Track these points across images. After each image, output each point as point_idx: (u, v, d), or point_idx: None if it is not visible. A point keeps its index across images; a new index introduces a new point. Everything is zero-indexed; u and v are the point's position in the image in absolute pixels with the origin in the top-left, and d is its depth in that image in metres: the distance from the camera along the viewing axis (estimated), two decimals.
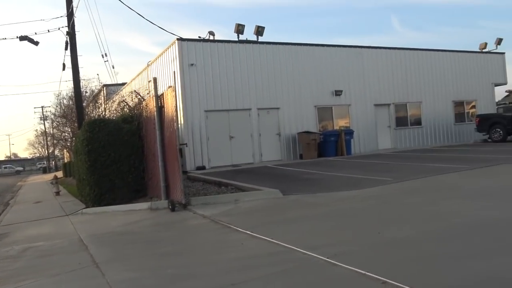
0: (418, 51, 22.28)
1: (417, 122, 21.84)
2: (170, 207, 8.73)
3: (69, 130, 28.97)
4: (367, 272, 3.90)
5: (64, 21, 16.45)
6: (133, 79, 22.76)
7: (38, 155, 76.08)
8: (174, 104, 8.96)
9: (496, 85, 25.01)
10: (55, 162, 64.35)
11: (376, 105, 20.53)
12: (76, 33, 16.32)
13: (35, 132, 67.45)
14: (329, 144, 17.86)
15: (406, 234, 5.20)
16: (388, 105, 20.97)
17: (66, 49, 16.73)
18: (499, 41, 24.55)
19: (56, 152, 58.41)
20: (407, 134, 21.40)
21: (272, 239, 5.49)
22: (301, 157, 17.89)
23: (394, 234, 5.21)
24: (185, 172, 13.54)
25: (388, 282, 3.64)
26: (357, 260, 4.31)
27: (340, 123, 19.58)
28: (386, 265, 4.16)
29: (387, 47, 21.49)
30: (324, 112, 19.28)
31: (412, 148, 20.50)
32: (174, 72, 13.11)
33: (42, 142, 64.99)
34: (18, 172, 76.74)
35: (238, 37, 17.85)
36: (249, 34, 18.19)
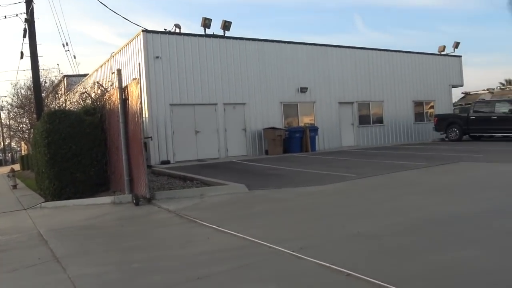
0: (381, 51, 22.86)
1: (379, 120, 22.44)
2: (134, 201, 8.58)
3: (27, 121, 27.89)
4: (332, 265, 4.00)
5: (23, 7, 15.78)
6: (96, 70, 22.14)
7: None
8: (139, 96, 8.80)
9: (453, 86, 26.09)
10: (11, 155, 61.72)
11: (340, 103, 20.92)
12: (35, 20, 15.70)
13: None
14: (294, 140, 18.06)
15: (369, 228, 5.36)
16: (352, 103, 21.41)
17: (24, 36, 16.06)
18: (456, 45, 25.56)
19: (13, 144, 56.01)
20: (369, 132, 21.95)
21: (238, 233, 5.51)
22: (266, 152, 18.00)
23: (357, 228, 5.35)
24: (149, 167, 13.33)
25: (352, 275, 3.74)
26: (322, 253, 4.40)
27: (305, 120, 19.83)
28: (350, 258, 4.27)
29: (352, 47, 21.91)
30: (289, 109, 19.46)
31: (374, 145, 21.07)
32: (139, 64, 12.88)
33: None
34: None
35: (205, 31, 17.69)
36: (216, 28, 18.08)
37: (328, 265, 4.02)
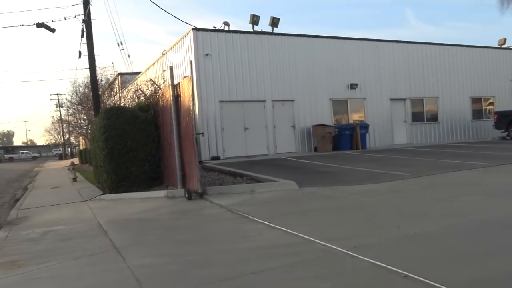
0: (436, 45, 21.97)
1: (434, 117, 21.60)
2: (186, 195, 8.80)
3: (85, 117, 29.30)
4: (388, 265, 3.90)
5: (80, 9, 16.61)
6: (148, 68, 22.86)
7: (54, 141, 77.08)
8: (190, 93, 9.00)
9: None
10: (70, 149, 65.16)
11: (392, 99, 20.35)
12: (92, 21, 16.49)
13: (51, 119, 68.27)
14: (344, 137, 17.78)
15: (426, 229, 5.17)
16: (404, 99, 20.76)
17: (82, 37, 16.92)
18: None
19: (72, 139, 59.10)
20: (423, 129, 21.19)
21: (290, 230, 5.50)
22: (315, 150, 17.85)
23: (413, 228, 5.19)
24: (200, 162, 13.61)
25: (409, 276, 3.63)
26: (377, 253, 4.30)
27: (355, 116, 19.47)
28: (407, 259, 4.15)
29: (404, 41, 21.26)
30: (339, 105, 19.18)
31: (428, 144, 20.31)
32: (191, 61, 13.16)
33: (58, 129, 65.79)
34: (34, 158, 77.95)
35: (253, 28, 17.79)
36: (264, 25, 18.19)
37: (384, 265, 3.92)
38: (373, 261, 4.05)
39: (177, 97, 9.72)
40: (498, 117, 20.53)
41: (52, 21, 18.99)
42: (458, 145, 18.62)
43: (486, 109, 23.33)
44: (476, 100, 23.01)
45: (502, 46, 24.07)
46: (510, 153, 13.49)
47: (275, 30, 18.13)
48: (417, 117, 21.08)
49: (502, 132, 20.61)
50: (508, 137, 20.14)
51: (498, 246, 4.40)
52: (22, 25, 19.42)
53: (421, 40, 22.40)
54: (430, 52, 21.61)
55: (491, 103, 23.50)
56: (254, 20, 17.72)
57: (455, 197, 7.24)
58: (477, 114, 23.00)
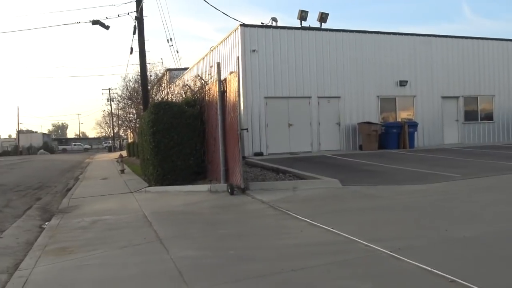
0: (492, 40, 20.83)
1: (489, 117, 20.53)
2: (229, 190, 8.88)
3: (134, 111, 30.25)
4: (434, 269, 3.74)
5: (133, 6, 17.12)
6: (195, 64, 23.25)
7: (104, 134, 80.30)
8: (236, 89, 9.04)
9: None
10: (119, 142, 67.64)
11: (443, 97, 19.54)
12: (144, 18, 16.94)
13: (102, 113, 71.19)
14: (391, 136, 17.29)
15: (476, 233, 4.93)
16: (457, 97, 19.88)
17: (134, 33, 17.45)
18: None
19: (121, 132, 61.29)
20: (476, 129, 20.21)
21: (332, 228, 5.42)
22: (360, 148, 17.48)
23: (463, 232, 4.95)
24: (243, 158, 13.67)
25: (456, 281, 3.47)
26: (423, 256, 4.15)
27: (403, 114, 18.87)
28: (454, 263, 3.97)
29: (458, 36, 20.34)
30: (386, 103, 18.66)
31: (482, 144, 19.33)
32: (238, 57, 13.25)
33: (108, 122, 68.43)
34: (86, 150, 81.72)
35: (301, 24, 17.65)
36: (312, 20, 18.00)
37: (429, 269, 3.77)
38: (418, 264, 3.91)
39: (223, 93, 9.81)
40: None
41: (107, 18, 19.74)
42: None
43: None
44: None
45: None
46: None
47: (324, 26, 17.91)
48: (470, 116, 20.12)
49: None
50: None
51: None
52: (79, 23, 20.46)
53: (476, 35, 21.25)
54: (486, 47, 20.52)
55: None
56: (302, 15, 17.58)
57: (508, 200, 6.85)
58: None
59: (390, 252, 4.30)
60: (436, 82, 19.38)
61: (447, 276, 3.58)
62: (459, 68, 19.84)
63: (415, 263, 3.95)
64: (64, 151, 78.28)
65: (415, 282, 3.61)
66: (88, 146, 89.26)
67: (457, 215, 6.01)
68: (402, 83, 18.64)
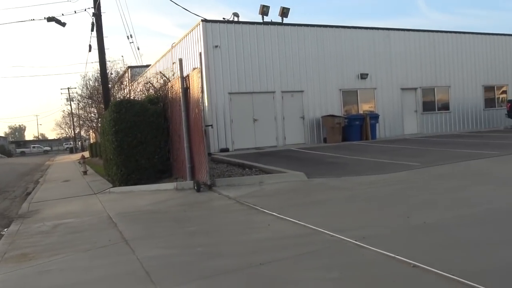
0: (447, 33, 21.60)
1: (445, 107, 21.32)
2: (195, 187, 8.82)
3: (95, 111, 29.45)
4: (397, 255, 3.87)
5: (90, 2, 16.59)
6: (157, 61, 22.88)
7: (65, 135, 77.84)
8: (199, 85, 8.98)
9: None
10: (81, 143, 65.76)
11: (402, 89, 20.11)
12: (102, 14, 16.45)
13: (62, 113, 68.97)
14: (353, 128, 17.65)
15: (436, 219, 5.12)
16: (415, 89, 20.52)
17: (92, 30, 16.92)
18: None
19: (82, 132, 59.61)
20: (434, 119, 20.94)
21: (298, 221, 5.49)
22: (325, 140, 17.76)
23: (423, 218, 5.13)
24: (209, 154, 13.60)
25: (418, 266, 3.60)
26: (386, 243, 4.27)
27: (364, 107, 19.29)
28: (416, 249, 4.11)
29: (415, 29, 20.94)
30: (349, 96, 19.01)
31: (439, 133, 20.07)
32: (200, 53, 13.12)
33: (69, 123, 66.38)
34: (45, 152, 78.86)
35: (263, 19, 17.68)
36: (274, 15, 18.05)
37: (393, 255, 3.89)
38: (381, 251, 4.03)
39: (186, 89, 9.71)
40: (511, 105, 20.19)
41: (63, 15, 19.05)
42: (470, 134, 18.38)
43: (499, 98, 22.94)
44: (489, 89, 22.63)
45: None
46: None
47: (285, 21, 17.98)
48: (428, 106, 20.82)
49: None
50: None
51: (508, 236, 4.34)
52: (33, 20, 19.55)
53: (431, 29, 21.96)
54: (442, 40, 21.27)
55: (504, 92, 23.10)
56: (264, 10, 17.60)
57: (466, 187, 7.15)
58: (490, 102, 22.63)
59: (355, 241, 4.40)
60: (395, 74, 19.93)
61: (410, 261, 3.70)
62: (416, 60, 20.46)
63: (379, 250, 4.07)
64: (23, 154, 75.30)
65: (380, 269, 3.71)
66: (48, 148, 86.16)
67: (417, 203, 6.21)
68: (363, 76, 19.04)
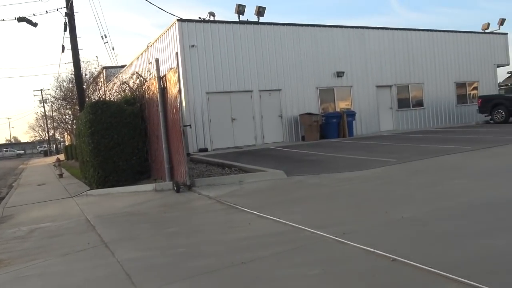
0: (420, 31, 22.06)
1: (419, 103, 21.78)
2: (175, 188, 8.76)
3: (70, 112, 28.91)
4: (377, 250, 3.94)
5: (63, 2, 16.25)
6: (133, 61, 22.59)
7: (39, 138, 76.02)
8: (177, 85, 8.91)
9: (499, 66, 24.90)
10: (56, 145, 64.34)
11: (378, 86, 20.45)
12: (75, 14, 16.17)
13: (35, 115, 67.34)
14: (331, 125, 17.84)
15: (413, 213, 5.23)
16: (390, 86, 20.88)
17: (65, 30, 16.62)
18: (502, 22, 24.31)
19: (57, 135, 58.34)
20: (409, 115, 21.36)
21: (279, 218, 5.52)
22: (303, 138, 17.89)
23: (401, 213, 5.24)
24: (188, 155, 13.53)
25: (398, 260, 3.67)
26: (366, 238, 4.34)
27: (341, 104, 19.52)
28: (395, 243, 4.19)
29: (390, 28, 21.28)
30: (325, 94, 19.20)
31: (414, 129, 20.50)
32: (177, 53, 13.00)
33: (43, 125, 64.91)
34: (19, 156, 76.91)
35: (239, 18, 17.65)
36: (250, 15, 18.01)
37: (372, 250, 3.96)
38: (361, 247, 4.09)
39: (163, 89, 9.63)
40: (482, 101, 20.78)
41: (34, 15, 18.59)
42: (443, 130, 18.82)
43: (470, 94, 23.59)
44: (461, 85, 23.23)
45: (486, 31, 24.27)
46: (494, 136, 13.69)
47: (261, 20, 18.00)
48: (402, 103, 21.23)
49: (485, 116, 20.88)
50: (491, 121, 20.42)
51: (483, 227, 4.48)
52: (3, 20, 18.99)
53: (405, 27, 22.37)
54: (415, 38, 21.70)
55: (475, 88, 23.76)
56: (240, 9, 17.57)
57: (441, 181, 7.32)
58: (462, 99, 23.25)
59: (336, 237, 4.46)
60: (371, 72, 20.23)
61: (389, 255, 3.78)
62: (391, 58, 20.83)
63: (359, 245, 4.14)
64: None
65: (360, 263, 3.78)
66: (21, 152, 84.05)
67: (395, 198, 6.34)
68: (339, 74, 19.25)
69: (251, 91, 17.35)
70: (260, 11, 17.90)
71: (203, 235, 5.41)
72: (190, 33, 16.22)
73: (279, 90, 17.94)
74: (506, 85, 26.64)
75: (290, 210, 6.14)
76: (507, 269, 3.36)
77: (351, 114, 18.41)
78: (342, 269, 3.71)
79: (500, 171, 7.90)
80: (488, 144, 11.52)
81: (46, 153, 61.82)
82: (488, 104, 20.38)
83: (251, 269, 3.88)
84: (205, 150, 16.01)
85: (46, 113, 54.65)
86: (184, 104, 15.67)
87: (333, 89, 19.33)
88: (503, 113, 19.65)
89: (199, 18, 17.20)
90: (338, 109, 19.11)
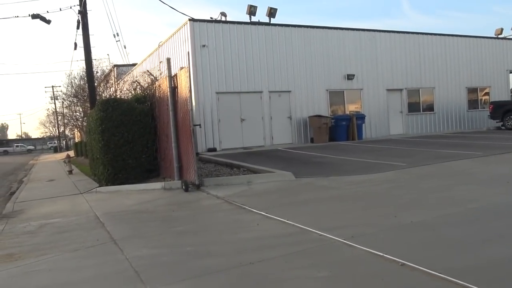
0: (432, 35, 21.92)
1: (430, 108, 21.63)
2: (183, 187, 8.80)
3: (80, 109, 29.14)
4: (385, 254, 3.93)
5: (76, 0, 16.41)
6: (144, 59, 22.72)
7: (49, 134, 76.76)
8: (188, 85, 8.95)
9: (511, 72, 24.61)
10: (66, 142, 64.89)
11: (388, 90, 20.34)
12: (88, 12, 16.28)
13: (46, 112, 67.92)
14: (340, 128, 17.79)
15: (422, 218, 5.21)
16: (401, 90, 20.76)
17: (78, 28, 16.75)
18: None
19: (67, 131, 58.82)
20: (419, 120, 21.23)
21: (287, 220, 5.53)
22: (312, 141, 17.86)
23: (410, 218, 5.21)
24: (197, 154, 13.56)
25: (407, 264, 3.66)
26: (374, 242, 4.33)
27: (351, 107, 19.46)
28: (404, 247, 4.18)
29: (401, 31, 21.18)
30: (335, 96, 19.15)
31: (424, 134, 20.36)
32: (188, 52, 13.07)
33: (53, 121, 65.46)
34: (29, 151, 77.65)
35: (250, 19, 17.69)
36: (261, 15, 18.10)
37: (381, 254, 3.95)
38: (370, 250, 4.08)
39: (174, 89, 9.68)
40: (494, 107, 20.56)
41: (48, 12, 18.84)
42: (454, 135, 18.67)
43: (481, 99, 23.37)
44: (472, 90, 23.03)
45: (499, 36, 24.05)
46: (505, 142, 13.55)
47: (272, 21, 18.02)
48: (413, 107, 21.11)
49: (497, 122, 20.67)
50: (503, 127, 20.21)
51: (492, 234, 4.44)
52: (17, 16, 19.16)
53: (416, 31, 22.24)
54: (427, 42, 21.57)
55: (487, 93, 23.54)
56: (252, 10, 17.61)
57: (451, 186, 7.27)
58: (473, 104, 23.04)
59: (344, 240, 4.46)
60: (381, 75, 20.15)
61: (398, 260, 3.76)
62: (402, 62, 20.72)
63: (367, 249, 4.13)
64: (5, 153, 73.96)
65: (368, 267, 3.77)
66: (31, 147, 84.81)
67: (404, 202, 6.31)
68: (350, 77, 19.20)
69: (260, 92, 17.37)
70: (272, 12, 17.92)
71: (211, 235, 5.43)
72: (201, 33, 16.29)
73: (289, 91, 17.93)
74: None
75: (298, 212, 6.14)
76: None
77: (360, 117, 18.34)
78: (350, 272, 3.70)
79: (510, 178, 7.82)
80: (499, 150, 11.41)
81: (56, 149, 62.39)
82: (499, 110, 20.15)
83: (259, 270, 3.89)
84: (214, 150, 16.05)
85: (57, 109, 55.23)
86: (194, 103, 15.73)
87: (343, 91, 19.27)
88: None
89: (211, 18, 17.29)
90: (347, 112, 19.05)
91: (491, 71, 23.57)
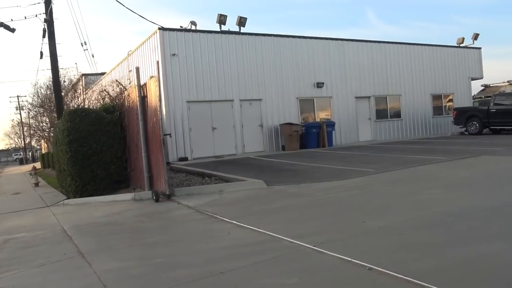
0: (398, 44, 22.59)
1: (397, 114, 22.21)
2: (154, 197, 8.70)
3: (47, 120, 28.39)
4: (354, 259, 4.01)
5: (42, 8, 16.05)
6: (113, 68, 22.41)
7: (14, 145, 74.26)
8: (157, 94, 8.90)
9: (473, 79, 25.64)
10: (32, 153, 62.93)
11: (357, 97, 20.78)
12: (54, 20, 15.95)
13: (11, 122, 65.75)
14: (311, 135, 18.02)
15: (389, 223, 5.34)
16: (369, 97, 21.25)
17: (44, 36, 16.34)
18: (476, 36, 25.09)
19: (33, 142, 57.14)
20: (387, 126, 21.75)
21: (258, 228, 5.55)
22: (283, 148, 18.00)
23: (378, 223, 5.34)
24: (167, 163, 13.43)
25: (374, 269, 3.75)
26: (343, 248, 4.41)
27: (321, 115, 19.76)
28: (372, 252, 4.27)
29: (368, 40, 21.73)
30: (306, 104, 19.41)
31: (392, 140, 20.88)
32: (158, 61, 13.00)
33: (19, 132, 63.45)
34: None
35: (221, 28, 17.74)
36: (231, 25, 18.14)
37: (349, 259, 4.03)
38: (339, 256, 4.16)
39: (143, 98, 9.59)
40: (457, 113, 21.32)
41: (12, 20, 18.32)
42: (420, 141, 19.22)
43: (446, 106, 24.19)
44: (437, 97, 23.82)
45: (461, 45, 25.00)
46: (468, 147, 14.05)
47: (242, 30, 18.14)
48: (381, 114, 21.62)
49: (460, 127, 21.42)
50: (466, 132, 20.95)
51: (456, 236, 4.60)
52: None
53: (382, 39, 22.89)
54: (393, 51, 22.20)
55: (451, 100, 24.39)
56: (221, 19, 17.67)
57: (417, 191, 7.49)
58: (438, 110, 23.82)
59: (314, 246, 4.52)
60: (350, 83, 20.57)
61: (366, 264, 3.85)
62: (369, 70, 21.23)
63: (336, 255, 4.20)
64: None
65: (337, 272, 3.84)
66: None
67: (372, 208, 6.44)
68: (319, 85, 19.51)
69: (232, 100, 17.42)
70: (242, 22, 18.04)
71: (182, 245, 5.39)
72: (171, 42, 16.23)
73: (260, 99, 18.06)
74: (480, 97, 27.43)
75: (270, 220, 6.18)
76: (477, 277, 3.47)
77: (330, 125, 18.64)
78: (320, 278, 3.76)
79: (473, 181, 8.13)
80: (463, 155, 11.82)
81: (21, 161, 60.39)
82: (463, 116, 20.92)
83: (230, 279, 3.89)
84: (185, 159, 15.95)
85: (23, 120, 53.60)
86: (164, 112, 15.61)
87: (313, 99, 19.56)
88: (477, 124, 20.19)
89: (181, 27, 17.25)
90: (318, 119, 19.32)
91: (454, 78, 24.46)
